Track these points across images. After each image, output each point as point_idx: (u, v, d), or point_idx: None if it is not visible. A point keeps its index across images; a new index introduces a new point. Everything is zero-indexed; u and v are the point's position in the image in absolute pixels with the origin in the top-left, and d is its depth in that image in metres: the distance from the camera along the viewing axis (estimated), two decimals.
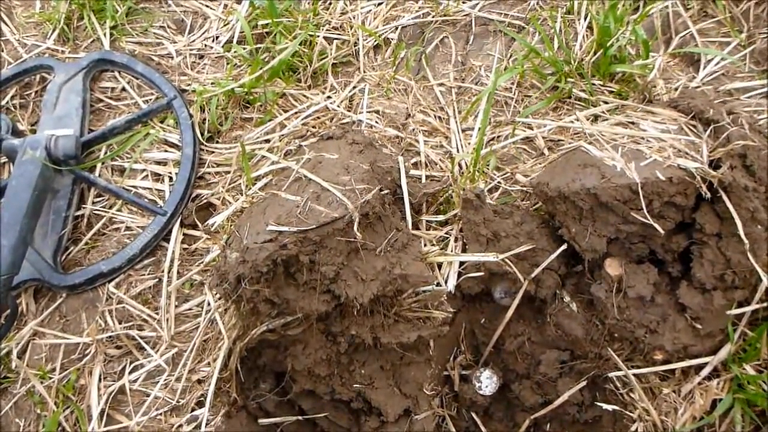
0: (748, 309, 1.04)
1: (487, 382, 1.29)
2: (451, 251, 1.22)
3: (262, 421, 1.26)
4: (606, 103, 1.32)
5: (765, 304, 1.04)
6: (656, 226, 1.01)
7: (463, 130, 1.37)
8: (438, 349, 1.31)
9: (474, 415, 1.33)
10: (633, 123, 1.12)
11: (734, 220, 0.99)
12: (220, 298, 1.22)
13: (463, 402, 1.33)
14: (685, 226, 1.07)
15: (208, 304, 1.25)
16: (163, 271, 1.28)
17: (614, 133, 1.10)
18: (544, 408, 1.24)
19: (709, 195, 1.00)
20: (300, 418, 1.31)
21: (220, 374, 1.19)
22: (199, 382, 1.20)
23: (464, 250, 1.22)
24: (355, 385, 1.27)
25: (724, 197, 0.99)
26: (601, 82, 1.35)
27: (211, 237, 1.30)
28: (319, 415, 1.32)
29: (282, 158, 1.29)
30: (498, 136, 1.35)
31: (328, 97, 1.42)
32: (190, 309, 1.27)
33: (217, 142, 1.41)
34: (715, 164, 1.02)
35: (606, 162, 1.05)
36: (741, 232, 0.98)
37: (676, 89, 1.34)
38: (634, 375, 1.13)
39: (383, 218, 1.18)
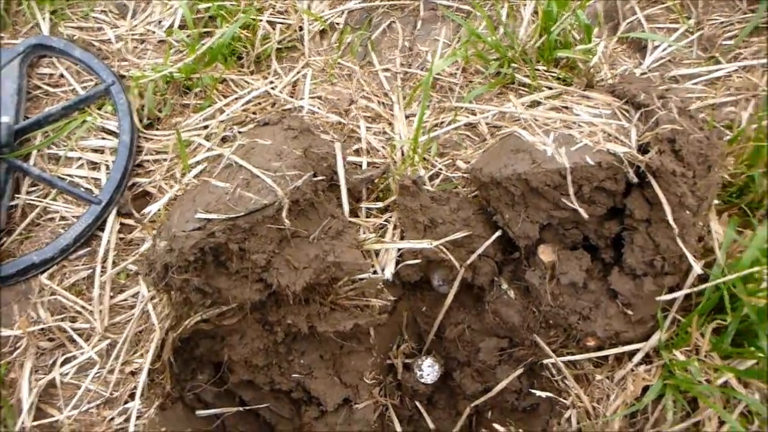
0: (678, 295, 1.03)
1: (428, 370, 1.28)
2: (390, 239, 1.21)
3: (200, 412, 1.25)
4: (550, 89, 1.30)
5: (696, 290, 1.04)
6: (581, 211, 1.00)
7: (407, 117, 1.35)
8: (379, 337, 1.29)
9: (417, 403, 1.32)
10: (567, 108, 1.11)
11: (663, 206, 0.98)
12: (150, 288, 1.19)
13: (406, 391, 1.32)
14: (617, 212, 1.06)
15: (143, 295, 1.22)
16: (97, 262, 1.25)
17: (548, 118, 1.09)
18: (484, 395, 1.23)
19: (636, 180, 0.99)
20: (240, 409, 1.30)
21: (153, 366, 1.17)
22: (133, 374, 1.18)
23: (402, 238, 1.21)
24: (294, 375, 1.25)
25: (653, 182, 0.98)
26: (545, 68, 1.34)
27: (147, 226, 1.28)
28: (260, 405, 1.30)
29: (218, 145, 1.27)
30: (441, 122, 1.34)
31: (271, 83, 1.40)
32: (125, 300, 1.25)
33: (157, 129, 1.38)
34: (644, 149, 1.01)
35: (537, 147, 1.04)
36: (669, 218, 0.97)
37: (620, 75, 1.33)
38: (569, 362, 1.12)
39: (317, 205, 1.16)
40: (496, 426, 1.13)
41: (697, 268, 0.99)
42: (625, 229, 1.05)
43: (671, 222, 0.97)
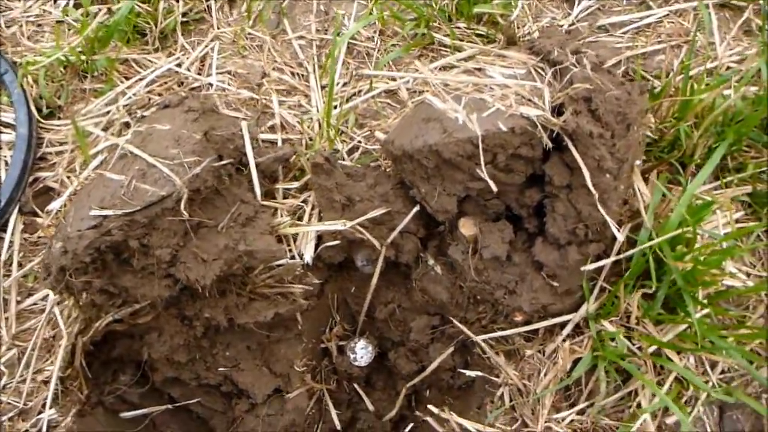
0: (604, 263, 0.98)
1: (362, 352, 1.23)
2: (307, 221, 1.14)
3: (125, 414, 1.19)
4: (472, 47, 1.22)
5: (623, 256, 0.98)
6: (491, 183, 0.93)
7: (323, 87, 1.26)
8: (309, 322, 1.24)
9: (356, 386, 1.28)
10: (481, 70, 1.03)
11: (581, 170, 0.92)
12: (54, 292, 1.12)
13: (342, 374, 1.27)
14: (538, 179, 0.99)
15: (52, 298, 1.15)
16: (0, 265, 1.17)
17: (459, 82, 1.01)
18: (420, 375, 1.19)
19: (552, 145, 0.93)
20: (170, 406, 1.24)
21: (65, 373, 1.11)
22: (45, 383, 1.12)
23: (320, 219, 1.14)
24: (220, 369, 1.19)
25: (570, 146, 0.92)
26: (466, 25, 1.25)
27: (48, 226, 1.20)
28: (191, 401, 1.25)
29: (119, 132, 1.18)
30: (359, 91, 1.26)
31: (177, 59, 1.30)
32: (34, 304, 1.17)
33: (58, 118, 1.29)
34: (559, 110, 0.94)
35: (449, 115, 0.97)
36: (589, 183, 0.91)
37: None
38: (500, 337, 1.08)
39: (224, 191, 1.08)
40: (431, 407, 1.09)
41: (620, 237, 0.94)
42: (546, 196, 0.98)
43: (591, 187, 0.91)
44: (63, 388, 1.11)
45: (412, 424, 1.23)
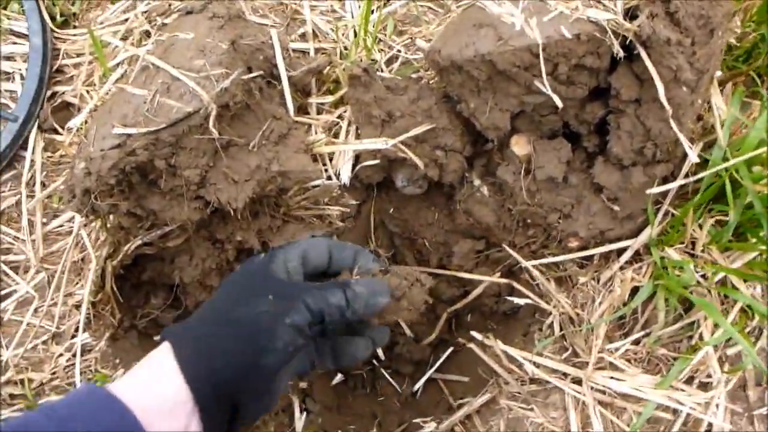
0: (671, 186, 0.89)
1: None
2: (343, 138, 1.06)
3: (158, 338, 1.16)
4: None
5: (693, 179, 0.89)
6: (555, 98, 0.83)
7: None
8: None
9: None
10: None
11: (655, 83, 0.81)
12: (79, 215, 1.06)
13: None
14: (602, 93, 0.89)
15: (79, 220, 1.10)
16: (23, 186, 1.12)
17: None
18: (462, 300, 1.14)
19: (623, 54, 0.82)
20: None
21: (96, 297, 1.07)
22: (77, 307, 1.09)
23: (358, 136, 1.06)
24: None
25: (643, 54, 0.81)
26: None
27: (74, 143, 1.13)
28: None
29: (136, 42, 1.09)
30: None
31: None
32: (60, 226, 1.13)
33: (74, 27, 1.20)
34: (632, 14, 0.82)
35: (504, 20, 0.86)
36: (662, 97, 0.81)
37: None
38: (551, 263, 1.01)
39: (254, 107, 1.00)
40: (474, 333, 1.04)
41: (693, 156, 0.85)
42: (610, 112, 0.89)
43: (664, 102, 0.81)
44: (95, 312, 1.08)
45: (451, 349, 1.20)
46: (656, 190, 0.88)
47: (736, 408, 0.91)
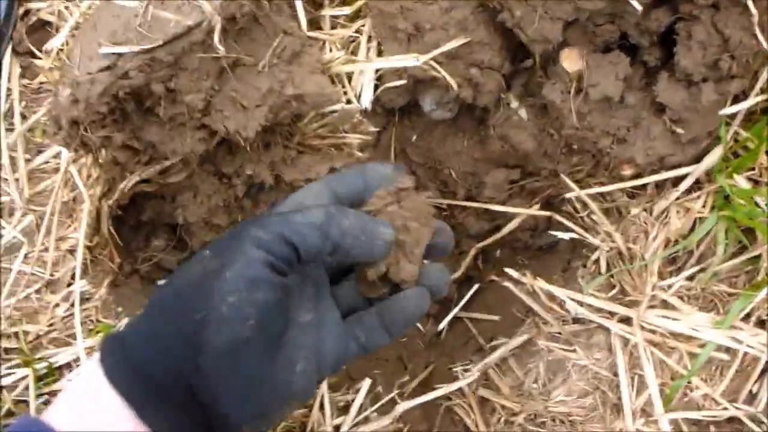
0: (747, 104, 0.78)
1: None
2: (364, 56, 0.93)
3: (162, 282, 1.07)
4: None
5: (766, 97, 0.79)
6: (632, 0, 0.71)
7: None
8: None
9: None
10: None
11: None
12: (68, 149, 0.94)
13: None
14: None
15: (67, 155, 0.98)
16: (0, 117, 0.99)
17: None
18: (493, 235, 1.05)
19: None
20: None
21: (92, 241, 0.97)
22: (71, 251, 0.98)
23: (380, 53, 0.93)
24: None
25: None
26: None
27: (55, 67, 1.00)
28: None
29: None
30: None
31: None
32: (46, 162, 1.01)
33: None
34: None
35: None
36: None
37: None
38: (597, 194, 0.92)
39: (263, 20, 0.86)
40: (509, 271, 0.95)
41: None
42: (680, 19, 0.77)
43: (750, 4, 0.70)
44: (92, 257, 0.98)
45: (477, 285, 1.11)
46: (731, 109, 0.78)
47: None
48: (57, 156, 1.00)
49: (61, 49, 0.98)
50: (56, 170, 1.00)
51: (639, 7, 0.72)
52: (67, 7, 0.99)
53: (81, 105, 0.79)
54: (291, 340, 0.52)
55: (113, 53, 0.78)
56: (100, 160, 0.93)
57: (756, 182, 0.85)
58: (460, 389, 0.97)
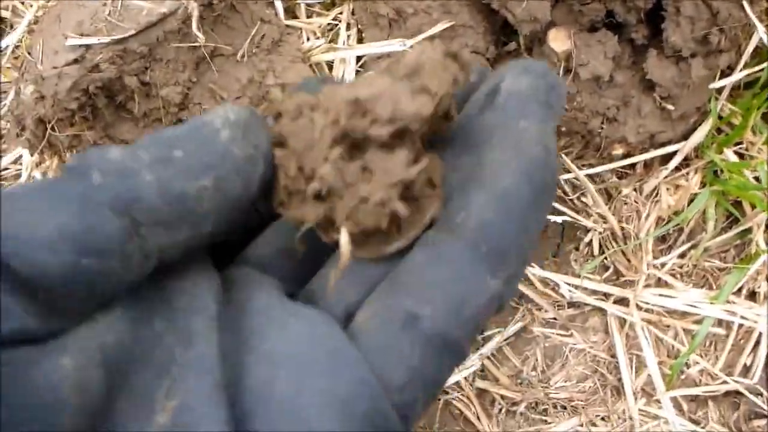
0: (736, 77, 0.79)
1: None
2: (345, 43, 0.90)
3: None
4: None
5: (758, 69, 0.80)
6: None
7: None
8: None
9: None
10: None
11: None
12: (31, 152, 0.88)
13: None
14: None
15: (28, 160, 0.92)
16: None
17: None
18: None
19: None
20: None
21: None
22: None
23: (361, 40, 0.90)
24: None
25: None
26: None
27: (13, 66, 0.93)
28: None
29: None
30: None
31: None
32: (5, 169, 0.94)
33: None
34: None
35: None
36: None
37: None
38: (587, 175, 0.91)
39: (239, 7, 0.83)
40: None
41: (765, 37, 0.74)
42: None
43: None
44: None
45: None
46: (721, 83, 0.78)
47: None
48: (17, 161, 0.94)
49: (18, 46, 0.91)
50: (17, 177, 0.94)
51: None
52: (23, 2, 0.92)
53: (48, 102, 0.74)
54: None
55: (81, 45, 0.74)
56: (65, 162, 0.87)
57: (742, 156, 0.86)
58: (457, 382, 0.95)
